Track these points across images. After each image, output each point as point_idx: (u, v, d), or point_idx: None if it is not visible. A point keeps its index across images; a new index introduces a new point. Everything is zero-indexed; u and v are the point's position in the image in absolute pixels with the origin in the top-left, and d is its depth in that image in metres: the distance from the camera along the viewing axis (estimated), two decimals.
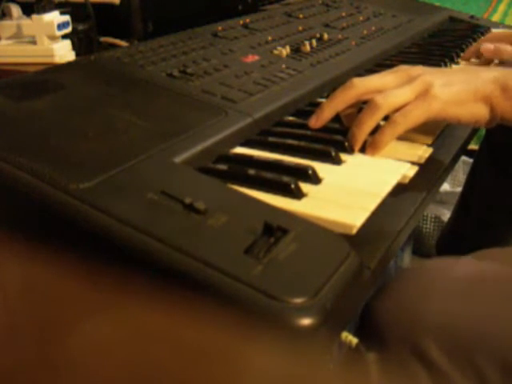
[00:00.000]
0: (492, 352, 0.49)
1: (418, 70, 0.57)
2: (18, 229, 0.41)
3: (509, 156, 0.98)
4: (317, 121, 0.57)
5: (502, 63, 0.83)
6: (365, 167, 0.51)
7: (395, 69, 0.59)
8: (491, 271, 0.57)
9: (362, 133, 0.54)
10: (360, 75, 0.78)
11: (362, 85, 0.56)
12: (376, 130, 0.54)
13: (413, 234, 1.29)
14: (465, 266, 0.58)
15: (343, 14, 1.03)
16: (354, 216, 0.41)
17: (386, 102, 0.53)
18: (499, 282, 0.56)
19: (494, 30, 1.04)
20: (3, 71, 0.76)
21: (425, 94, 0.53)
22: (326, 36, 0.86)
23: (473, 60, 0.90)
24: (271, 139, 0.54)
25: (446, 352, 0.50)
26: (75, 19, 0.81)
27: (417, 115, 0.53)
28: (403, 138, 0.55)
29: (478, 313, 0.52)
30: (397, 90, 0.54)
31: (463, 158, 1.44)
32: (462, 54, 0.91)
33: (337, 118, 0.61)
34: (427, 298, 0.54)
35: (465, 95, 0.54)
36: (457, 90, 0.54)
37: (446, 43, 0.99)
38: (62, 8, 0.81)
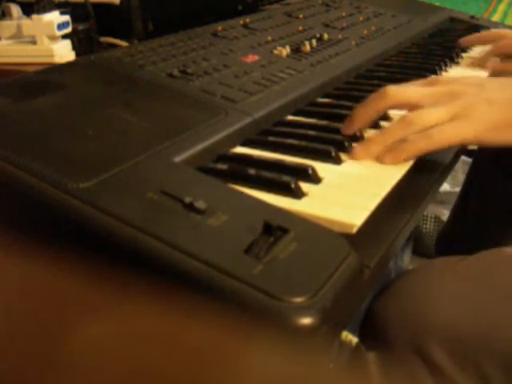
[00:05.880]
0: (497, 355, 0.49)
1: (458, 86, 0.54)
2: (18, 229, 0.41)
3: (508, 156, 0.98)
4: (348, 130, 0.55)
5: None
6: (365, 167, 0.51)
7: (434, 81, 0.56)
8: (494, 272, 0.57)
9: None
10: (360, 75, 0.78)
11: (396, 95, 0.54)
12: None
13: (413, 234, 1.29)
14: (468, 266, 0.58)
15: (343, 14, 1.03)
16: (354, 215, 0.41)
17: (421, 121, 0.51)
18: (501, 283, 0.55)
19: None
20: (3, 71, 0.76)
21: (462, 116, 0.51)
22: (326, 36, 0.86)
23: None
24: (271, 139, 0.54)
25: (450, 355, 0.50)
26: (75, 19, 0.81)
27: (452, 135, 0.51)
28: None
29: (482, 315, 0.52)
30: (433, 108, 0.52)
31: (463, 157, 1.43)
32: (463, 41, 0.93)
33: (337, 117, 0.61)
34: (431, 299, 0.54)
35: (507, 120, 0.52)
36: (498, 112, 0.52)
37: (446, 43, 0.99)
38: (62, 8, 0.81)
